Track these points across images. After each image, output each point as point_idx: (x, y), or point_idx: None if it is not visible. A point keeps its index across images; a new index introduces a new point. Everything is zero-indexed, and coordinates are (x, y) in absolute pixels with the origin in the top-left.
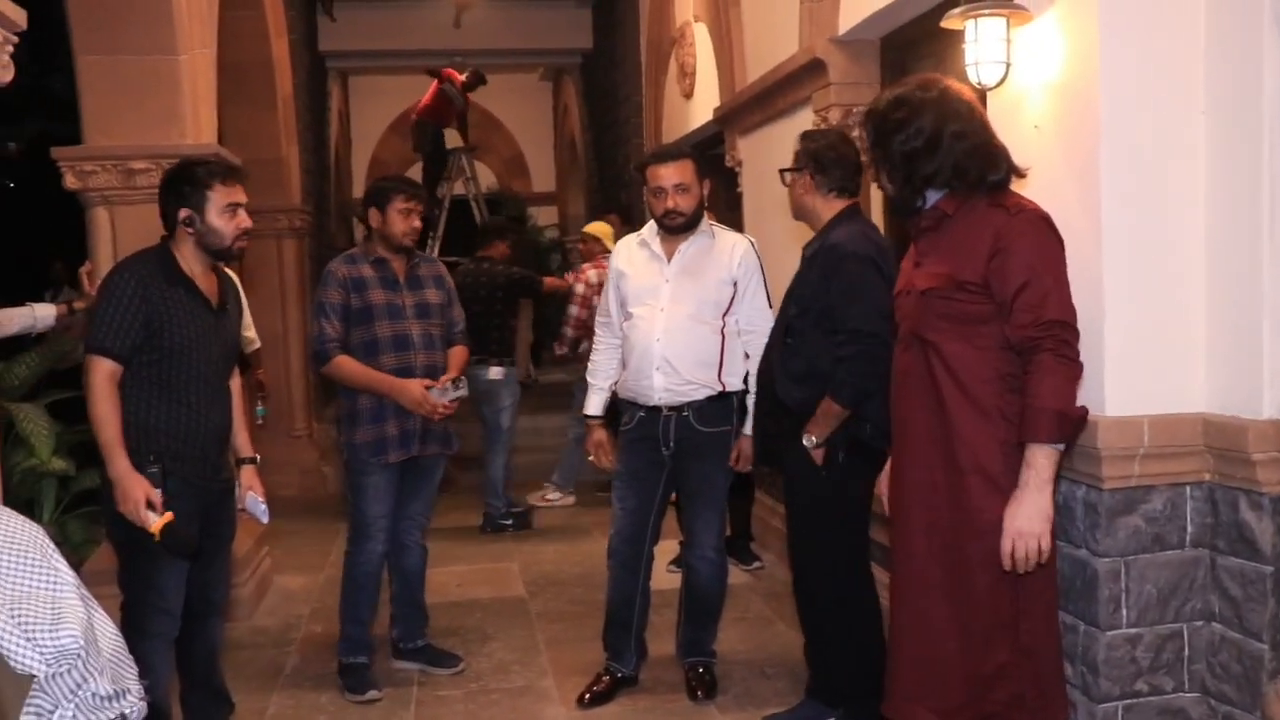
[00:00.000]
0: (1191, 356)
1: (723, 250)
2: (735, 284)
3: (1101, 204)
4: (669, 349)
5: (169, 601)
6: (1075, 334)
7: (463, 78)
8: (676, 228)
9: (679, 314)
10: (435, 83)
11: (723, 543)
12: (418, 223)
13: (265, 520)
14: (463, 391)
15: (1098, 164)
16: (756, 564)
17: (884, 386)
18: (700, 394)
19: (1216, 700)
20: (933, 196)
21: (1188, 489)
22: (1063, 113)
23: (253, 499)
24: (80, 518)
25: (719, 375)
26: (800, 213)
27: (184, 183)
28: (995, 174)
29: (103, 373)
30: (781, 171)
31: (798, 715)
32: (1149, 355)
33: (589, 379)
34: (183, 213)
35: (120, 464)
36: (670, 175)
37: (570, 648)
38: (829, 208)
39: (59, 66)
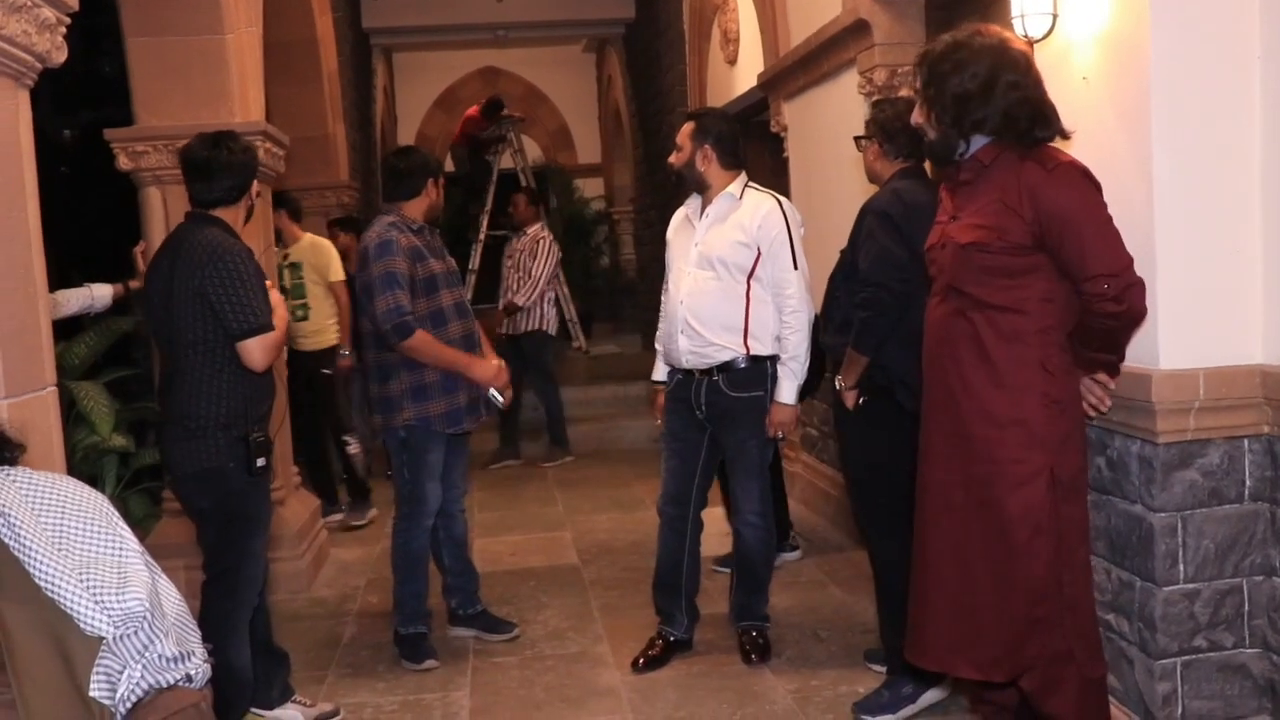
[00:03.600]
0: (1248, 308)
1: (745, 213)
2: (758, 246)
3: (1153, 155)
4: (691, 311)
5: (260, 568)
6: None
7: (481, 106)
8: (675, 183)
9: (701, 276)
10: (463, 122)
11: (766, 508)
12: None
13: None
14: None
15: (1148, 114)
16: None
17: (897, 335)
18: (725, 356)
19: (1278, 656)
20: (976, 144)
21: (1245, 442)
22: (1112, 63)
23: None
24: (141, 493)
25: (744, 338)
26: (871, 176)
27: (253, 155)
28: (1044, 130)
29: (266, 342)
30: (856, 138)
31: (885, 696)
32: (1204, 307)
33: (657, 345)
34: (257, 186)
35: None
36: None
37: (624, 614)
38: (890, 171)
39: (107, 51)
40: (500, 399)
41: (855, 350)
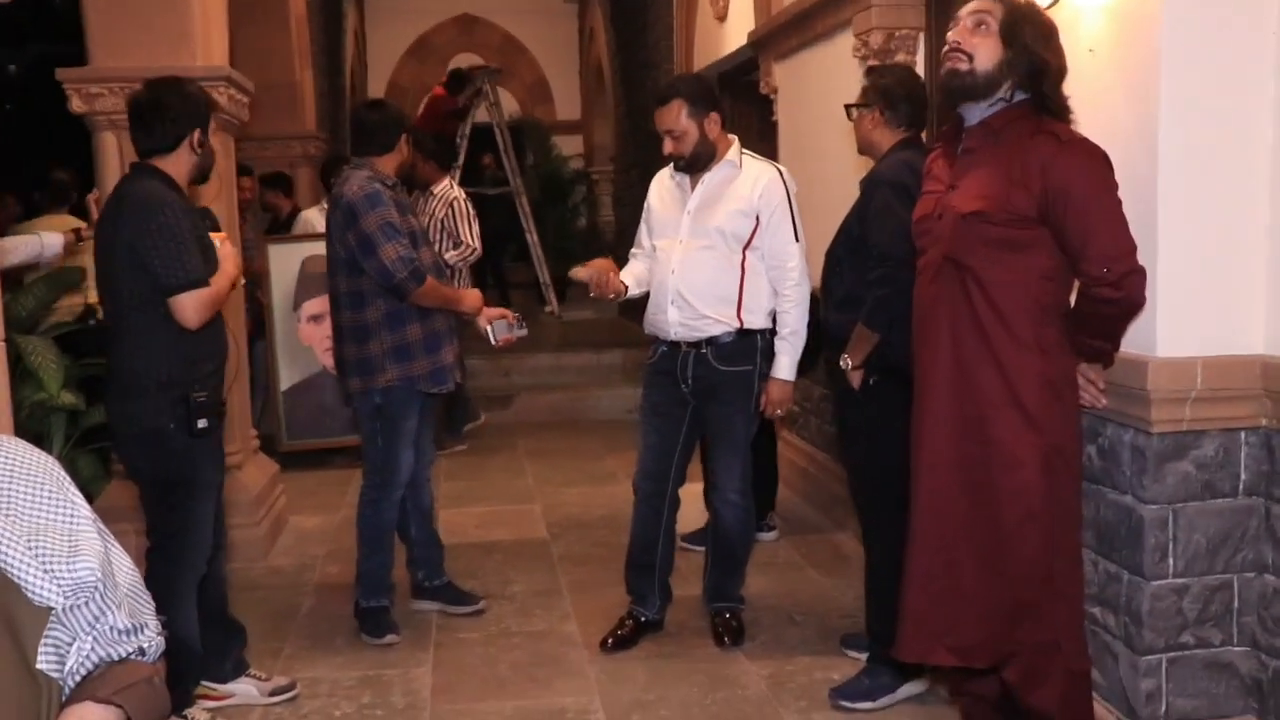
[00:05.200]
0: (1251, 295)
1: (745, 181)
2: (757, 216)
3: (1159, 133)
4: (683, 282)
5: (206, 535)
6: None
7: (443, 84)
8: (682, 168)
9: (694, 246)
10: (430, 102)
11: (747, 486)
12: None
13: None
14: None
15: (1157, 90)
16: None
17: (908, 311)
18: (717, 329)
19: (1267, 655)
20: (1011, 98)
21: (1242, 434)
22: (1120, 34)
23: None
24: (90, 453)
25: (738, 311)
26: (865, 147)
27: (199, 104)
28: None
29: (200, 298)
30: (847, 107)
31: (864, 684)
32: (1205, 293)
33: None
34: (198, 134)
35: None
36: (661, 121)
37: (594, 591)
38: (889, 140)
39: None
40: (517, 325)
41: (867, 326)
